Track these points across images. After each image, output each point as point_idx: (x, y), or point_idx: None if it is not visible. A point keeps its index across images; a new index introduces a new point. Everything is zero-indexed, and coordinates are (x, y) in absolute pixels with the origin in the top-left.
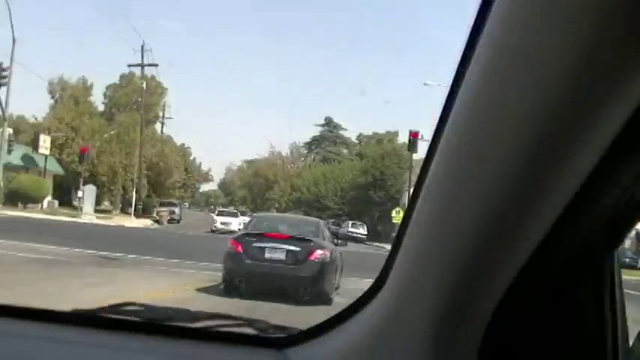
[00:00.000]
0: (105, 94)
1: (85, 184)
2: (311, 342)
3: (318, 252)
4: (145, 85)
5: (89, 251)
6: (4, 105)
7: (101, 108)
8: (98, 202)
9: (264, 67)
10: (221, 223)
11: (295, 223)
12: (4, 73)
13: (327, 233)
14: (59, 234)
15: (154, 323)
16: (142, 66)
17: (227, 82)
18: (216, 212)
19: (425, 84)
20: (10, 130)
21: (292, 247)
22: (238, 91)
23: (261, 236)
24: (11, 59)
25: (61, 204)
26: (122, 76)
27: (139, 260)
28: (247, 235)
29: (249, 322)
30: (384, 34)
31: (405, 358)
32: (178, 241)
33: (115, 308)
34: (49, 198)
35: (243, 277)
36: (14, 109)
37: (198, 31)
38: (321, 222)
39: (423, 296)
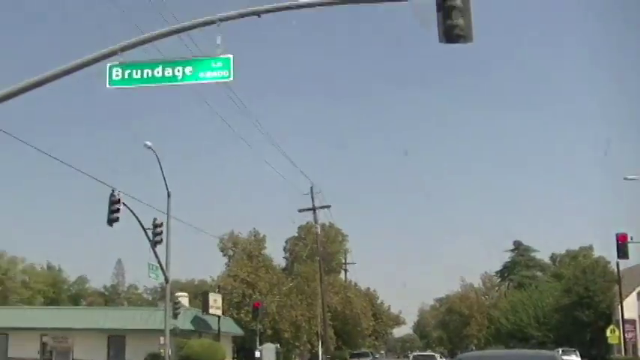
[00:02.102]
0: (285, 248)
1: (266, 341)
2: None
3: None
4: (318, 230)
5: None
6: (165, 265)
7: (280, 262)
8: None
9: (447, 199)
10: None
11: None
12: (159, 229)
13: None
14: None
15: None
16: (313, 209)
17: (405, 219)
18: (412, 357)
19: (626, 178)
20: (184, 294)
21: None
22: (422, 225)
23: None
24: (167, 214)
25: None
26: (300, 228)
27: None
28: None
29: None
30: None
31: None
32: None
33: None
34: None
35: None
36: (195, 274)
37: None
38: (557, 355)
39: None
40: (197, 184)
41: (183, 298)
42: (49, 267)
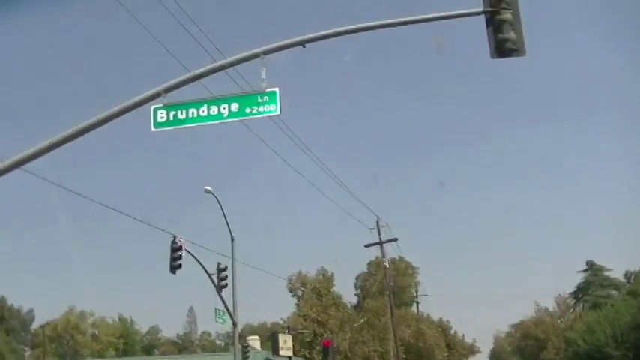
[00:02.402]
0: (355, 285)
1: None
2: None
3: None
4: (387, 263)
5: None
6: (232, 310)
7: (351, 299)
8: None
9: (513, 224)
10: None
11: None
12: (224, 274)
13: None
14: None
15: None
16: (380, 244)
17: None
18: None
19: None
20: (255, 337)
21: None
22: (491, 252)
23: None
24: (232, 258)
25: None
26: (370, 263)
27: None
28: None
29: None
30: None
31: None
32: None
33: None
34: None
35: None
36: (268, 317)
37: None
38: None
39: None
40: (260, 226)
41: (255, 342)
42: (121, 319)
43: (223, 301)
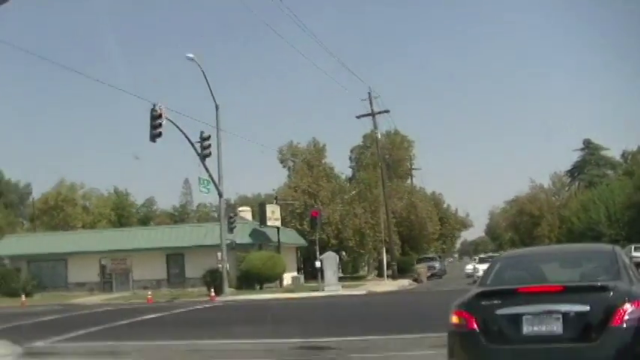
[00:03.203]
0: (350, 158)
1: (329, 251)
2: None
3: (628, 309)
4: (379, 135)
5: (292, 340)
6: (217, 179)
7: (347, 172)
8: (355, 269)
9: (513, 97)
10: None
11: (571, 258)
12: (207, 142)
13: (632, 269)
14: (274, 317)
15: None
16: (372, 115)
17: (473, 117)
18: (477, 259)
19: None
20: (246, 208)
21: (575, 307)
22: (488, 125)
23: (512, 294)
24: (217, 127)
25: (308, 277)
26: (365, 136)
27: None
28: (485, 295)
29: None
30: None
31: None
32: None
33: None
34: (294, 273)
35: None
36: (262, 189)
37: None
38: (617, 249)
39: None
40: (250, 97)
41: (246, 213)
42: (116, 191)
43: (207, 171)
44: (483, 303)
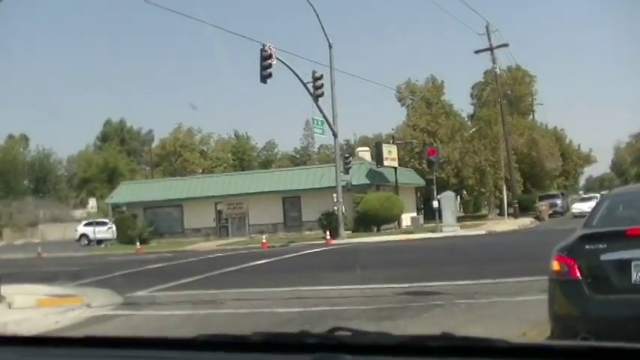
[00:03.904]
0: (471, 95)
1: (451, 190)
2: None
3: None
4: (497, 70)
5: (398, 285)
6: (332, 120)
7: (468, 109)
8: (477, 208)
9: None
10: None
11: None
12: (319, 82)
13: None
14: (384, 261)
15: None
16: (490, 49)
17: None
18: (579, 199)
19: None
20: (365, 149)
21: None
22: (610, 57)
23: (620, 237)
24: (331, 66)
25: (428, 218)
26: (486, 72)
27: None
28: (589, 238)
29: None
30: None
31: None
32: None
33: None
34: (413, 214)
35: (590, 328)
36: (383, 128)
37: None
38: None
39: None
40: (364, 35)
41: (365, 153)
42: (237, 136)
43: (321, 111)
44: (587, 247)
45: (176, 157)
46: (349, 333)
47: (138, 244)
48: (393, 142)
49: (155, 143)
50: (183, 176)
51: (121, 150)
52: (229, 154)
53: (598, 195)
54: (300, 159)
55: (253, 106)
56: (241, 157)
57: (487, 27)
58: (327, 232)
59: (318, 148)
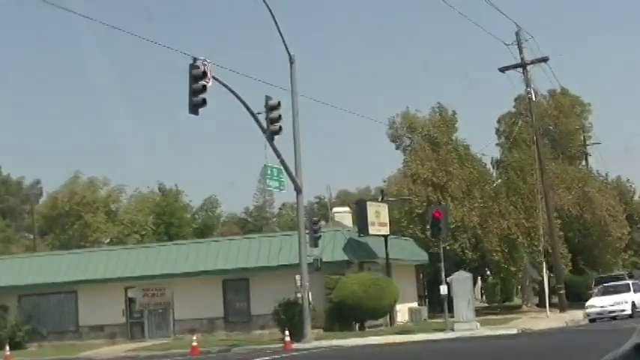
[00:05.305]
0: (497, 131)
1: (469, 267)
2: None
3: None
4: (532, 94)
5: None
6: (294, 168)
7: (494, 152)
8: (507, 295)
9: None
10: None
11: None
12: (276, 113)
13: None
14: None
15: None
16: (523, 66)
17: None
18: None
19: None
20: (344, 209)
21: None
22: None
23: None
24: (292, 88)
25: (435, 309)
26: (518, 99)
27: None
28: None
29: None
30: None
31: None
32: None
33: None
34: (412, 304)
35: None
36: (372, 181)
37: None
38: None
39: None
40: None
41: (343, 215)
42: (162, 190)
43: (278, 155)
44: None
45: (72, 221)
46: None
47: (7, 349)
48: (383, 200)
49: (43, 199)
50: (81, 248)
51: None
52: (150, 217)
53: None
54: (253, 223)
55: (185, 149)
56: (167, 220)
57: (517, 33)
58: (287, 332)
59: (280, 209)
